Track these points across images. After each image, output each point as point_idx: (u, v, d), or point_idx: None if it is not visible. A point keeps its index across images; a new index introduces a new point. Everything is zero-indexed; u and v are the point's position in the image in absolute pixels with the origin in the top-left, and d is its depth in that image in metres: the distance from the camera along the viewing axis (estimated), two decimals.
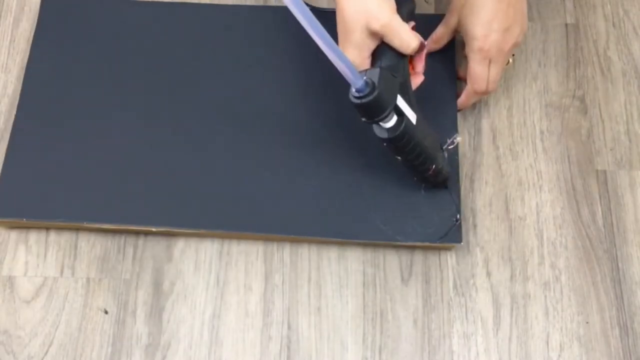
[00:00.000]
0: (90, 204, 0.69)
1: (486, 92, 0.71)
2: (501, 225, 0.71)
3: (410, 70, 0.64)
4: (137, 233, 0.71)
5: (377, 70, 0.57)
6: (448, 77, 0.74)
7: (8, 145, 0.72)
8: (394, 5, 0.60)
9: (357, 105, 0.56)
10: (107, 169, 0.70)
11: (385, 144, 0.60)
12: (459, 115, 0.73)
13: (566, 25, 0.80)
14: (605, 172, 0.73)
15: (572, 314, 0.68)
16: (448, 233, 0.67)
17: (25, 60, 0.76)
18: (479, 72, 0.68)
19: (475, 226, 0.71)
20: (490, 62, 0.68)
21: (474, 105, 0.75)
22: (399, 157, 0.63)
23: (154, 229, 0.69)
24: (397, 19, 0.59)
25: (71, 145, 0.72)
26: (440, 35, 0.72)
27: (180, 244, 0.71)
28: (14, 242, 0.71)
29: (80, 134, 0.72)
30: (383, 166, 0.70)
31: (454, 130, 0.72)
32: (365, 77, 0.56)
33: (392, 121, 0.58)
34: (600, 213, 0.71)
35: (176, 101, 0.74)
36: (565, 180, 0.73)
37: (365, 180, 0.69)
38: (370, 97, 0.55)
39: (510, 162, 0.73)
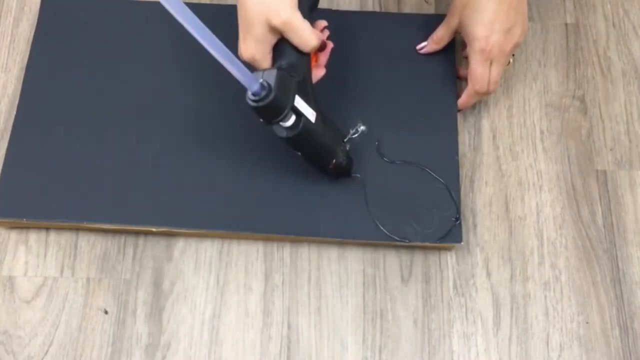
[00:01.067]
0: (90, 204, 0.69)
1: (487, 93, 0.71)
2: (501, 225, 0.71)
3: (313, 63, 0.64)
4: (137, 233, 0.71)
5: (274, 72, 0.56)
6: (448, 77, 0.74)
7: (8, 145, 0.72)
8: (295, 0, 0.59)
9: (253, 108, 0.56)
10: (107, 169, 0.70)
11: (284, 143, 0.60)
12: (459, 115, 0.73)
13: (566, 25, 0.80)
14: (605, 172, 0.73)
15: (572, 314, 0.68)
16: (448, 233, 0.67)
17: (25, 60, 0.76)
18: (480, 72, 0.68)
19: (475, 226, 0.71)
20: (491, 62, 0.68)
21: (474, 105, 0.75)
22: (299, 153, 0.63)
23: (154, 229, 0.69)
24: (298, 16, 0.58)
25: (71, 145, 0.72)
26: (441, 35, 0.72)
27: (180, 244, 0.71)
28: (14, 242, 0.71)
29: (80, 134, 0.72)
30: (383, 166, 0.70)
31: (454, 130, 0.72)
32: (261, 80, 0.55)
33: (290, 121, 0.58)
34: (600, 213, 0.71)
35: (176, 101, 0.74)
36: (565, 180, 0.73)
37: (365, 180, 0.69)
38: (267, 101, 0.55)
39: (510, 162, 0.73)
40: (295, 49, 0.60)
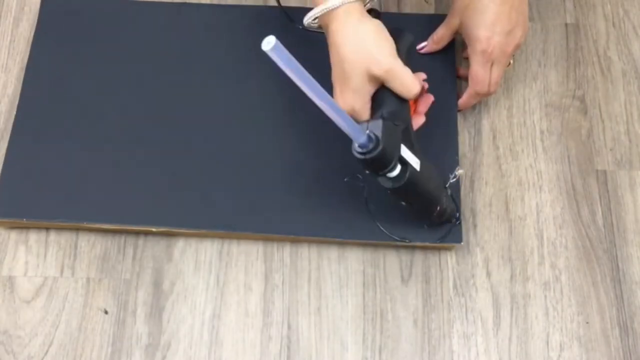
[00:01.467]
0: (90, 204, 0.69)
1: (488, 94, 0.71)
2: (501, 225, 0.71)
3: (412, 111, 0.63)
4: (137, 233, 0.71)
5: (379, 122, 0.55)
6: (448, 77, 0.74)
7: (8, 145, 0.72)
8: (393, 46, 0.59)
9: (361, 161, 0.55)
10: (107, 169, 0.70)
11: (389, 192, 0.59)
12: (459, 115, 0.73)
13: (566, 25, 0.80)
14: (605, 172, 0.73)
15: (572, 314, 0.68)
16: (448, 233, 0.67)
17: (25, 60, 0.76)
18: (481, 73, 0.68)
19: (475, 226, 0.71)
20: (492, 64, 0.68)
21: (474, 106, 0.75)
22: (404, 203, 0.62)
23: (154, 229, 0.69)
24: (399, 63, 0.58)
25: (71, 145, 0.72)
26: (441, 35, 0.72)
27: (180, 244, 0.71)
28: (14, 242, 0.71)
29: (80, 134, 0.72)
30: None
31: (454, 130, 0.72)
32: (368, 132, 0.54)
33: (397, 171, 0.57)
34: (600, 213, 0.71)
35: (176, 101, 0.74)
36: (565, 180, 0.73)
37: (365, 180, 0.69)
38: (375, 153, 0.53)
39: (510, 162, 0.73)
40: (396, 96, 0.59)
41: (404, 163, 0.57)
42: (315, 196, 0.69)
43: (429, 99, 0.65)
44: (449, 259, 0.70)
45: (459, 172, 0.66)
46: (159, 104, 0.73)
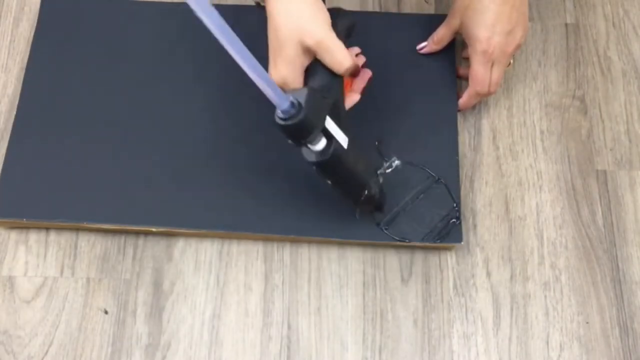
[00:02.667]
0: (90, 204, 0.69)
1: (488, 94, 0.71)
2: (501, 225, 0.71)
3: (347, 89, 0.62)
4: (137, 233, 0.71)
5: (304, 90, 0.54)
6: (448, 77, 0.74)
7: (8, 145, 0.72)
8: (328, 20, 0.58)
9: (281, 127, 0.53)
10: (107, 169, 0.70)
11: (314, 167, 0.57)
12: (459, 115, 0.73)
13: (566, 25, 0.80)
14: (605, 172, 0.73)
15: (572, 314, 0.68)
16: (448, 233, 0.67)
17: (25, 60, 0.76)
18: (482, 74, 0.68)
19: (475, 226, 0.71)
20: (492, 64, 0.68)
21: (473, 105, 0.75)
22: (329, 181, 0.60)
23: (154, 229, 0.69)
24: (332, 36, 0.57)
25: (71, 145, 0.72)
26: (442, 36, 0.72)
27: (180, 244, 0.71)
28: (14, 242, 0.71)
29: (80, 134, 0.72)
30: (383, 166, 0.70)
31: (454, 130, 0.72)
32: (290, 98, 0.52)
33: (321, 144, 0.56)
34: (600, 213, 0.71)
35: (176, 101, 0.74)
36: (565, 180, 0.73)
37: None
38: (296, 120, 0.52)
39: (510, 162, 0.73)
40: (329, 71, 0.58)
41: (330, 138, 0.56)
42: (315, 196, 0.69)
43: (366, 75, 0.64)
44: (449, 259, 0.70)
45: (395, 162, 0.65)
46: (159, 103, 0.73)
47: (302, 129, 0.53)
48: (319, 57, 0.58)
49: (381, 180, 0.64)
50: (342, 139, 0.57)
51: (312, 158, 0.57)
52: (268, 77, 0.50)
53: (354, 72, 0.60)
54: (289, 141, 0.55)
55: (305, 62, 0.58)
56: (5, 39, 0.80)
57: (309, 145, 0.56)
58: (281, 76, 0.58)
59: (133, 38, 0.76)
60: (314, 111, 0.54)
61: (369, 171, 0.62)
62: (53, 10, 0.78)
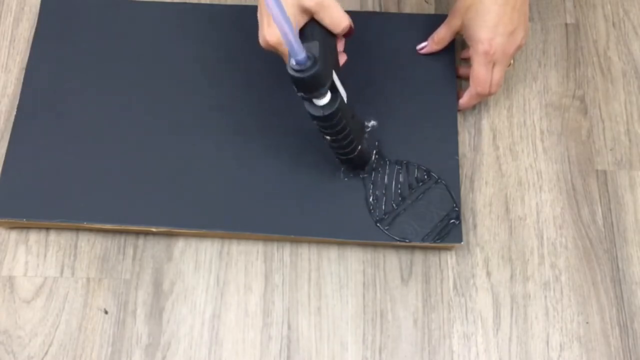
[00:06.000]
0: (90, 204, 0.69)
1: (489, 94, 0.71)
2: (501, 225, 0.71)
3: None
4: (137, 233, 0.71)
5: (316, 43, 0.55)
6: (448, 77, 0.74)
7: (8, 145, 0.72)
8: None
9: (296, 79, 0.53)
10: (107, 169, 0.70)
11: (315, 122, 0.58)
12: (459, 115, 0.74)
13: (566, 25, 0.80)
14: (605, 172, 0.73)
15: (572, 314, 0.68)
16: (448, 233, 0.67)
17: (25, 60, 0.76)
18: (483, 74, 0.68)
19: (475, 226, 0.71)
20: (494, 64, 0.68)
21: (473, 106, 0.75)
22: (328, 137, 0.61)
23: (154, 229, 0.69)
24: None
25: (71, 145, 0.72)
26: (442, 36, 0.72)
27: (180, 244, 0.71)
28: (14, 242, 0.71)
29: (80, 134, 0.72)
30: (383, 166, 0.70)
31: (454, 130, 0.72)
32: (305, 50, 0.52)
33: (327, 98, 0.56)
34: (600, 213, 0.71)
35: (176, 101, 0.74)
36: (565, 180, 0.73)
37: (367, 180, 0.69)
38: (312, 71, 0.52)
39: (510, 162, 0.73)
40: (325, 30, 0.59)
41: (335, 91, 0.57)
42: (315, 196, 0.69)
43: (350, 35, 0.64)
44: (449, 259, 0.70)
45: (372, 122, 0.67)
46: (159, 103, 0.73)
47: (316, 81, 0.54)
48: (317, 17, 0.58)
49: (367, 135, 0.67)
50: (343, 94, 0.58)
51: (318, 112, 0.57)
52: (292, 25, 0.49)
53: (349, 32, 0.61)
54: (299, 94, 0.55)
55: (301, 22, 0.59)
56: (5, 39, 0.80)
57: (315, 100, 0.56)
58: (276, 36, 0.59)
59: (133, 38, 0.76)
60: (325, 64, 0.54)
61: (361, 127, 0.65)
62: (53, 10, 0.78)
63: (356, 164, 0.68)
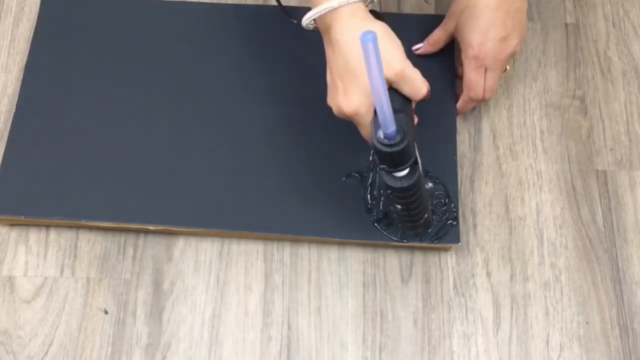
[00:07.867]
0: (89, 202, 0.69)
1: (483, 100, 0.70)
2: (501, 225, 0.71)
3: None
4: (137, 233, 0.71)
5: (402, 116, 0.53)
6: (447, 79, 0.74)
7: (7, 143, 0.72)
8: (401, 47, 0.57)
9: (383, 154, 0.51)
10: (106, 167, 0.71)
11: (390, 192, 0.56)
12: (458, 115, 0.73)
13: (566, 25, 0.80)
14: (605, 172, 0.73)
15: (572, 314, 0.68)
16: (446, 234, 0.67)
17: (25, 60, 0.76)
18: (474, 79, 0.68)
19: (475, 226, 0.71)
20: (486, 70, 0.67)
21: (472, 109, 0.75)
22: (399, 206, 0.59)
23: (152, 228, 0.69)
24: (410, 66, 0.57)
25: (70, 143, 0.72)
26: (437, 38, 0.72)
27: (180, 244, 0.71)
28: (14, 242, 0.71)
29: (79, 133, 0.72)
30: None
31: (453, 131, 0.72)
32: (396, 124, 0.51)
33: (407, 170, 0.54)
34: (600, 213, 0.71)
35: (176, 100, 0.74)
36: (565, 180, 0.73)
37: (365, 180, 0.69)
38: (402, 146, 0.51)
39: (510, 162, 0.73)
40: (401, 97, 0.58)
41: (415, 162, 0.55)
42: (315, 196, 0.69)
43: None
44: (449, 259, 0.70)
45: (429, 185, 0.67)
46: (159, 102, 0.74)
47: (403, 155, 0.52)
48: (396, 86, 0.57)
49: (433, 203, 0.66)
50: (419, 163, 0.56)
51: (396, 184, 0.55)
52: (389, 98, 0.48)
53: (426, 96, 0.59)
54: (381, 166, 0.54)
55: None
56: (5, 39, 0.80)
57: (393, 172, 0.54)
58: (354, 106, 0.57)
59: (133, 37, 0.76)
60: (412, 138, 0.52)
61: (430, 194, 0.63)
62: (53, 10, 0.78)
63: (419, 233, 0.66)
